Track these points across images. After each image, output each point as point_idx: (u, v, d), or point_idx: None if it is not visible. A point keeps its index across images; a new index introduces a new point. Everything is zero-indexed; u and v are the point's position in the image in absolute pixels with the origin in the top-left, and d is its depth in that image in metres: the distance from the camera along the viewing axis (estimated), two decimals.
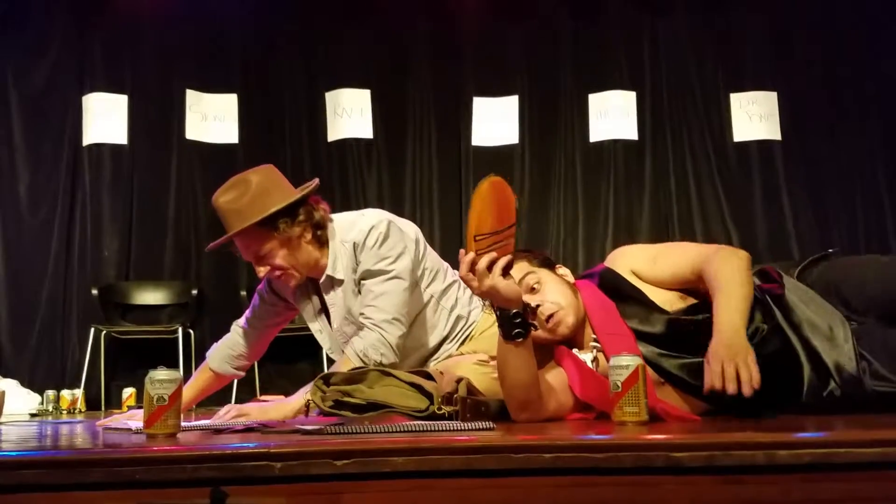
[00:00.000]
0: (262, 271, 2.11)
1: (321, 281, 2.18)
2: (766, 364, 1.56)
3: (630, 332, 1.67)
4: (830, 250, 1.89)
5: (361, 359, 2.02)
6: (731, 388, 1.45)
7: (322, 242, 2.15)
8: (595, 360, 1.70)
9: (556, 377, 1.68)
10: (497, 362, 1.60)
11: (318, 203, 2.17)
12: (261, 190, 2.08)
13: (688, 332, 1.65)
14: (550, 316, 1.70)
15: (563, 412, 1.65)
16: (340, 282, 2.16)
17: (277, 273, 2.10)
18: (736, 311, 1.57)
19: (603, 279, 1.79)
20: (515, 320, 1.52)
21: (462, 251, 1.51)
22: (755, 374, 1.46)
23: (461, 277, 1.52)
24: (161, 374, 1.45)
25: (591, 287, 1.77)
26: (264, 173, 2.14)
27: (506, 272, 1.49)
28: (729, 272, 1.63)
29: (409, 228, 2.22)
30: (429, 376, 2.05)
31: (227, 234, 2.08)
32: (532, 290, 1.73)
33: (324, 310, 2.24)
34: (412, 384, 2.02)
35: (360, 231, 2.12)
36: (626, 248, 1.88)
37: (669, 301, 1.73)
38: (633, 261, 1.79)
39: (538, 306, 1.68)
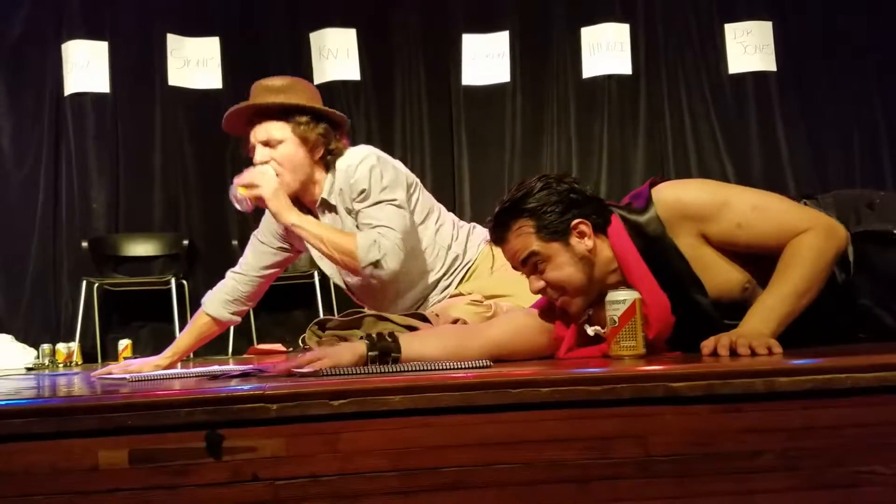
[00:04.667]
0: (258, 156, 2.10)
1: (317, 206, 2.16)
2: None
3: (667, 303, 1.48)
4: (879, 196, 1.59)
5: (363, 251, 2.01)
6: (722, 352, 1.34)
7: (326, 169, 2.15)
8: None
9: (530, 322, 1.60)
10: None
11: (343, 137, 2.20)
12: (304, 88, 2.19)
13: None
14: (555, 299, 1.53)
15: (535, 355, 1.59)
16: (334, 207, 2.15)
17: (273, 166, 2.10)
18: (775, 322, 1.39)
19: (649, 240, 1.50)
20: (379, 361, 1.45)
21: None
22: (764, 351, 1.32)
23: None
24: None
25: (644, 272, 1.49)
26: (309, 85, 2.26)
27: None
28: (801, 271, 1.41)
29: (400, 166, 2.20)
30: (424, 318, 2.04)
31: (252, 101, 2.12)
32: (536, 271, 1.51)
33: None
34: (408, 327, 2.01)
35: (350, 163, 2.11)
36: (696, 200, 1.51)
37: (731, 288, 1.51)
38: (709, 226, 1.49)
39: (541, 289, 1.52)
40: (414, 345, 1.50)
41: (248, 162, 2.16)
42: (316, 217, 2.20)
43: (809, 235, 1.44)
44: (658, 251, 1.49)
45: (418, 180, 2.25)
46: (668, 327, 1.49)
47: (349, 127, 2.23)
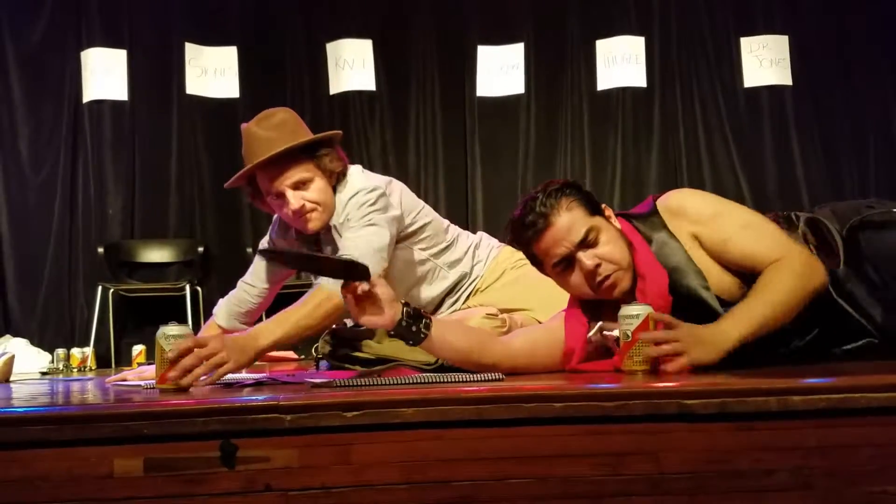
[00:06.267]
0: (294, 202, 2.00)
1: (322, 231, 2.15)
2: (824, 339, 1.51)
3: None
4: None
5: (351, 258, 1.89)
6: (651, 352, 1.36)
7: (336, 189, 2.11)
8: (617, 339, 1.53)
9: (546, 337, 1.60)
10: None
11: (340, 153, 2.15)
12: (299, 123, 2.06)
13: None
14: (606, 277, 1.49)
15: (551, 368, 1.59)
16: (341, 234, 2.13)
17: (308, 206, 2.03)
18: (747, 324, 1.39)
19: (650, 232, 1.54)
20: (410, 327, 1.43)
21: None
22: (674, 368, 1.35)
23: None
24: (174, 329, 1.44)
25: (646, 250, 1.52)
26: (292, 112, 2.11)
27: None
28: (786, 284, 1.42)
29: (397, 193, 2.16)
30: None
31: (280, 149, 1.96)
32: (588, 245, 1.49)
33: None
34: None
35: (350, 193, 2.06)
36: (695, 205, 1.56)
37: (727, 288, 1.52)
38: (702, 229, 1.52)
39: (596, 265, 1.47)
40: (440, 327, 1.48)
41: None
42: (321, 243, 2.18)
43: (796, 261, 1.45)
44: (659, 242, 1.53)
45: (424, 203, 2.25)
46: (665, 303, 1.48)
47: (341, 137, 2.18)
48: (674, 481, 1.13)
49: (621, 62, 5.05)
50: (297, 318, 1.83)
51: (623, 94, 5.07)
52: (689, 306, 1.49)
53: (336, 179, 2.09)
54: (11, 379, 2.43)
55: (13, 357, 2.46)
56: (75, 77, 4.94)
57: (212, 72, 5.03)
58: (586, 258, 1.48)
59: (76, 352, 4.29)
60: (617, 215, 1.59)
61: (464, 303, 2.25)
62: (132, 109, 4.96)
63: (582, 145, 5.08)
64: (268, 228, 2.36)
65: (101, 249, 4.77)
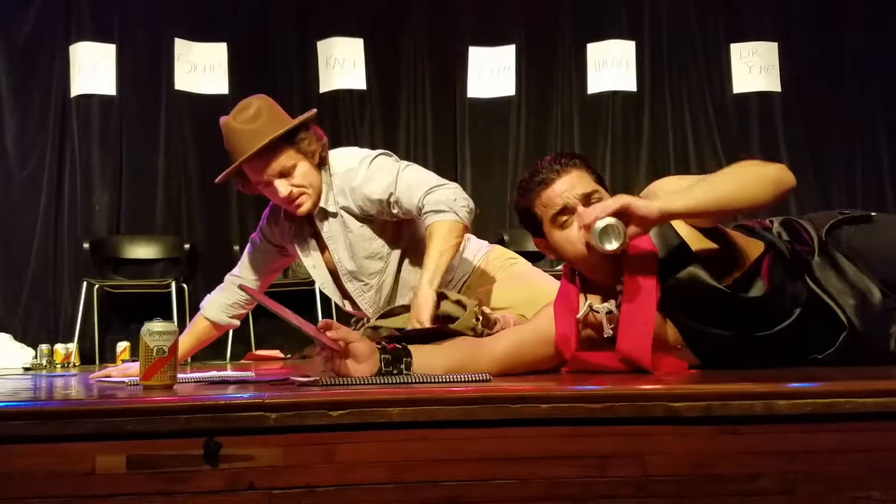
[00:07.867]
0: (282, 190, 2.05)
1: (315, 213, 2.16)
2: (803, 326, 1.51)
3: (655, 292, 1.48)
4: (873, 214, 1.70)
5: (457, 214, 2.00)
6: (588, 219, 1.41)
7: (321, 169, 2.14)
8: (610, 312, 1.56)
9: (534, 336, 1.61)
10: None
11: (318, 131, 2.18)
12: (273, 110, 2.10)
13: (735, 307, 1.49)
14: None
15: (541, 367, 1.60)
16: (334, 214, 2.15)
17: (296, 192, 2.07)
18: (694, 199, 1.43)
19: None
20: (391, 371, 1.43)
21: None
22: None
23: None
24: (158, 325, 1.43)
25: None
26: (266, 98, 2.15)
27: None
28: (739, 176, 1.49)
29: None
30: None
31: (261, 144, 2.01)
32: (591, 204, 1.52)
33: (318, 245, 2.22)
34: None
35: (350, 165, 2.11)
36: (668, 181, 1.63)
37: (719, 265, 1.52)
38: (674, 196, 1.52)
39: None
40: (421, 358, 1.48)
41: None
42: (314, 224, 2.19)
43: (752, 162, 1.53)
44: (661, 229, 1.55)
45: None
46: (647, 261, 1.50)
47: (315, 115, 2.20)
48: (659, 484, 1.13)
49: (612, 66, 5.07)
50: (437, 251, 1.96)
51: (613, 98, 5.09)
52: (679, 275, 1.50)
53: (319, 159, 2.12)
54: None
55: None
56: (63, 71, 4.91)
57: (201, 68, 5.01)
58: (583, 212, 1.50)
59: (60, 347, 4.27)
60: None
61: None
62: (120, 104, 4.93)
63: (572, 148, 5.08)
64: (254, 226, 2.35)
65: (86, 245, 4.73)
